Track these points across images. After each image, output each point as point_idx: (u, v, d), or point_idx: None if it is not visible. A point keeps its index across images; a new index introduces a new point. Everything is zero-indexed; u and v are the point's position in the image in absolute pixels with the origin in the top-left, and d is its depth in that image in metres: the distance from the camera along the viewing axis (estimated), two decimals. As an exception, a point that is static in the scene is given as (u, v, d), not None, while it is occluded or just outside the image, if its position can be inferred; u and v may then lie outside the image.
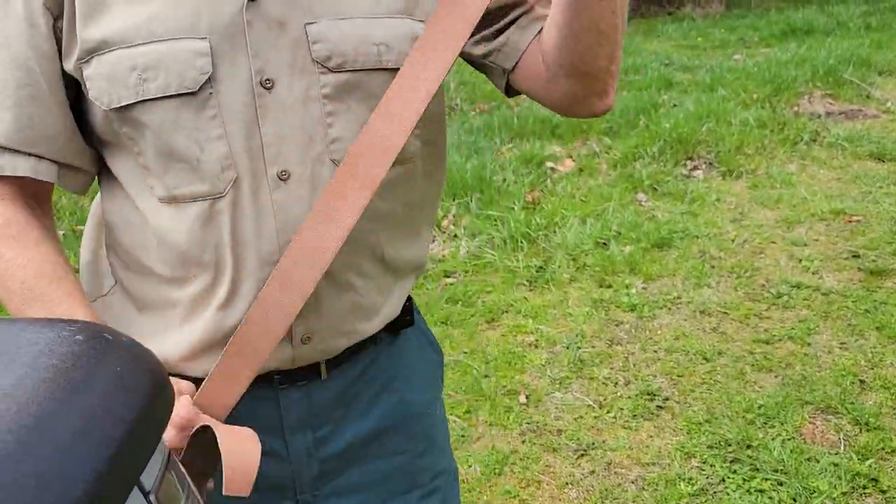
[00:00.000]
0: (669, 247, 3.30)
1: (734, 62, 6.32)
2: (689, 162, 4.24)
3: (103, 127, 0.83)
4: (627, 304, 2.89)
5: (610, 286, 3.04)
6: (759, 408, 2.30)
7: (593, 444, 2.20)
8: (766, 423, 2.24)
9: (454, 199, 3.75)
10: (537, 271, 3.17)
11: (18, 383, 0.44)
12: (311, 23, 0.80)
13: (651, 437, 2.22)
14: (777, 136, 4.47)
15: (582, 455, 2.16)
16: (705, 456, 2.13)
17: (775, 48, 6.72)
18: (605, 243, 3.35)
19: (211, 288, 0.84)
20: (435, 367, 1.06)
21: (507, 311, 2.91)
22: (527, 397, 2.41)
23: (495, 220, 3.55)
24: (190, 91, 0.78)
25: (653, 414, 2.31)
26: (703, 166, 4.19)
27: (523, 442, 2.22)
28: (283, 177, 0.81)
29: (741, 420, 2.26)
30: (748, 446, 2.15)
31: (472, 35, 0.88)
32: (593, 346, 2.67)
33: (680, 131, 4.41)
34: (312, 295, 0.82)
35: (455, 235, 3.49)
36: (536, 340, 2.72)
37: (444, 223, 3.58)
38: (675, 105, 5.13)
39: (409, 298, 0.99)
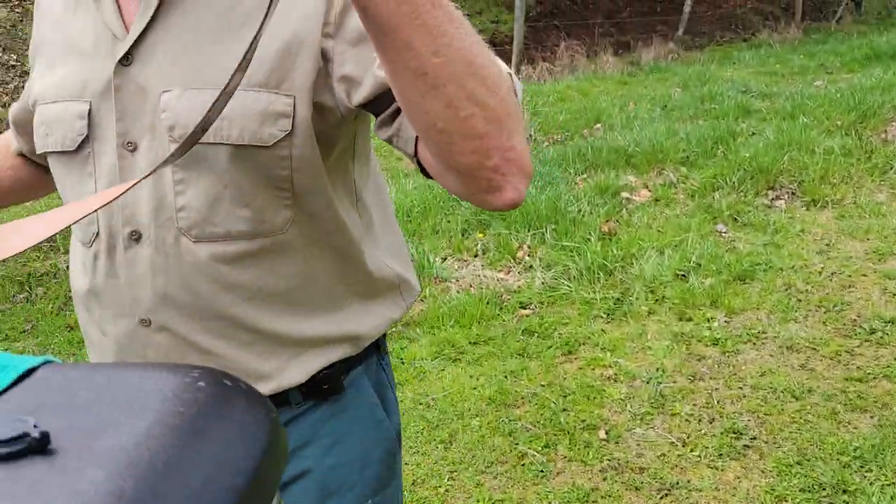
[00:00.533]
0: (752, 279, 3.20)
1: (815, 89, 6.14)
2: (770, 192, 4.12)
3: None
4: (709, 339, 2.81)
5: (690, 319, 2.96)
6: (855, 450, 2.19)
7: (677, 483, 2.13)
8: (862, 467, 2.12)
9: (529, 230, 3.74)
10: (615, 303, 3.12)
11: (149, 431, 0.45)
12: (166, 91, 0.81)
13: (738, 477, 2.14)
14: (864, 164, 4.31)
15: (666, 495, 2.10)
16: (798, 500, 2.03)
17: (858, 74, 6.50)
18: (684, 275, 3.27)
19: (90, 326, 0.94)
20: (373, 448, 0.96)
21: (584, 344, 2.87)
22: (607, 432, 2.36)
23: (571, 251, 3.52)
24: (70, 150, 0.86)
25: (739, 453, 2.23)
26: (786, 196, 4.06)
27: (604, 479, 2.17)
28: (135, 237, 0.85)
29: (835, 463, 2.15)
30: (844, 491, 2.04)
31: (376, 116, 0.81)
32: (675, 382, 2.60)
33: (760, 160, 4.29)
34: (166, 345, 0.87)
35: (530, 266, 3.47)
36: (615, 374, 2.66)
37: (520, 254, 3.57)
38: (753, 133, 5.00)
39: (345, 368, 0.93)
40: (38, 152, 0.90)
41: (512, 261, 3.54)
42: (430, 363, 2.80)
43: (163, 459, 0.43)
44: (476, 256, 3.63)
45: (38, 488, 0.40)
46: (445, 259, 3.61)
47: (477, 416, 2.46)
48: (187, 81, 0.80)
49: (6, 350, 2.97)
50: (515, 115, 0.69)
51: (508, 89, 0.69)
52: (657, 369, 2.67)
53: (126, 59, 0.81)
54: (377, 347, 1.00)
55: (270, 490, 0.50)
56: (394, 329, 3.04)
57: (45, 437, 0.43)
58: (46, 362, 0.54)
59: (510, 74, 0.74)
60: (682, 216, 3.89)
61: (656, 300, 3.12)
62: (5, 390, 0.50)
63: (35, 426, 0.43)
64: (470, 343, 2.93)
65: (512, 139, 0.69)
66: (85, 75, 0.84)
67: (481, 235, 3.78)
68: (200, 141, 0.78)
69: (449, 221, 3.93)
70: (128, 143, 0.83)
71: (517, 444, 2.32)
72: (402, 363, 2.80)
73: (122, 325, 0.88)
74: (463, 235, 3.81)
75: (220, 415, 0.48)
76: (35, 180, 1.10)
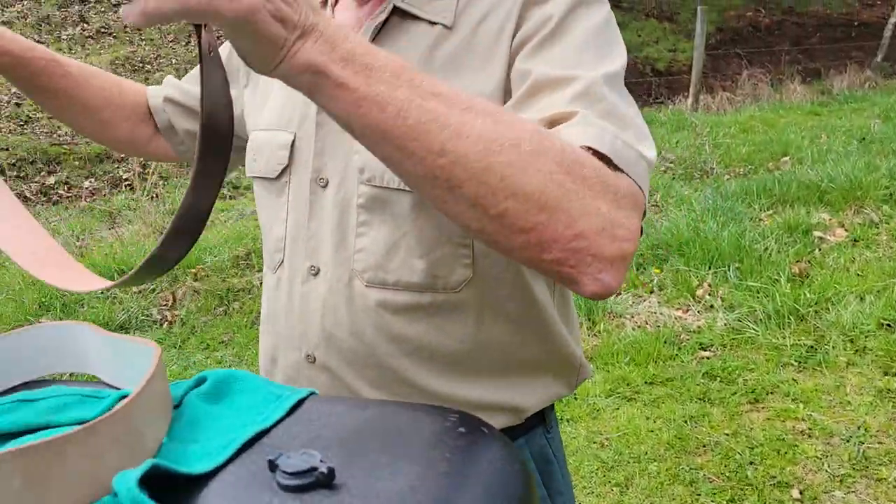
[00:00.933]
0: (972, 333, 2.86)
1: None
2: None
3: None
4: (921, 398, 2.53)
5: (897, 374, 2.69)
6: None
7: (884, 557, 1.92)
8: None
9: (709, 268, 3.57)
10: (807, 351, 2.89)
11: (423, 476, 0.47)
12: None
13: (959, 559, 1.90)
14: None
15: (870, 569, 1.90)
16: None
17: None
18: (889, 325, 2.98)
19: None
20: None
21: (772, 393, 2.68)
22: (801, 492, 2.18)
23: (757, 292, 3.32)
24: (271, 177, 0.89)
25: (960, 531, 1.98)
26: None
27: (799, 544, 2.00)
28: (313, 272, 0.86)
29: None
30: None
31: None
32: (880, 443, 2.36)
33: (981, 199, 3.85)
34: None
35: (711, 306, 3.31)
36: (809, 429, 2.46)
37: (699, 293, 3.41)
38: (971, 168, 4.50)
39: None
40: (247, 175, 0.95)
41: (691, 299, 3.38)
42: (604, 400, 2.73)
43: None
44: (652, 293, 3.51)
45: (330, 524, 0.42)
46: (619, 294, 3.51)
47: (655, 460, 2.36)
48: None
49: (206, 358, 3.24)
50: (580, 193, 0.57)
51: (566, 161, 0.57)
52: (859, 427, 2.44)
53: None
54: (542, 419, 0.92)
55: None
56: (566, 363, 2.98)
57: (331, 473, 0.45)
58: (311, 394, 0.57)
59: (601, 130, 0.63)
60: (886, 259, 3.56)
61: (856, 351, 2.86)
62: (280, 421, 0.54)
63: (321, 461, 0.46)
64: (646, 383, 2.82)
65: (574, 226, 0.57)
66: (294, 108, 0.87)
67: (658, 271, 3.66)
68: (386, 186, 0.79)
69: (624, 255, 3.82)
70: (320, 178, 0.84)
71: (699, 494, 2.20)
72: (576, 398, 2.75)
73: (291, 357, 0.89)
74: (638, 270, 3.70)
75: (480, 462, 0.49)
76: (135, 126, 1.04)
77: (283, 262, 0.89)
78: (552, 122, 0.67)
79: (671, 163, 5.36)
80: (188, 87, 1.06)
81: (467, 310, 0.82)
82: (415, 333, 0.82)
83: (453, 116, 0.55)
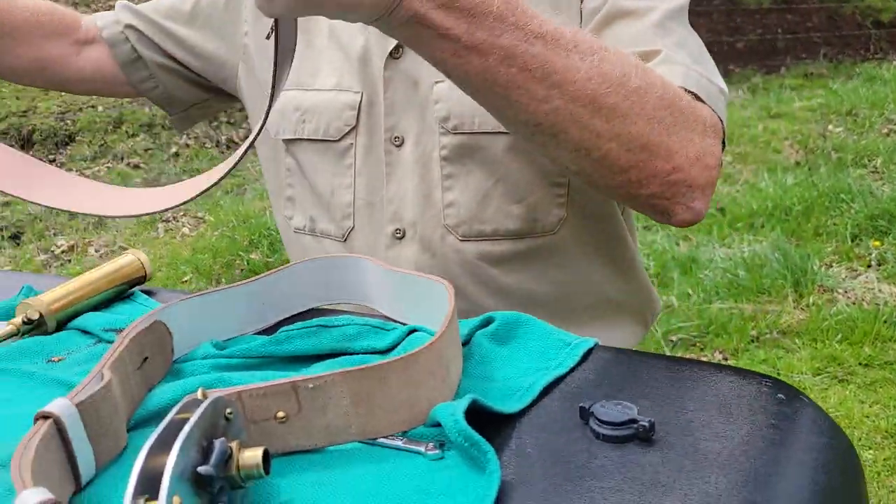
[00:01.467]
0: None
1: None
2: None
3: (267, 152, 0.91)
4: None
5: None
6: None
7: None
8: None
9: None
10: None
11: (748, 441, 0.43)
12: (439, 81, 0.77)
13: None
14: None
15: None
16: None
17: None
18: None
19: None
20: None
21: None
22: None
23: None
24: (332, 139, 0.82)
25: None
26: None
27: None
28: (398, 235, 0.81)
29: None
30: None
31: None
32: None
33: None
34: None
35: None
36: None
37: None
38: None
39: None
40: (276, 137, 0.86)
41: (917, 276, 3.05)
42: (811, 379, 2.53)
43: (767, 473, 0.41)
44: (869, 267, 3.20)
45: (659, 479, 0.40)
46: (831, 266, 3.23)
47: (871, 448, 2.17)
48: None
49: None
50: (677, 126, 0.59)
51: (667, 96, 0.58)
52: None
53: (396, 52, 0.79)
54: None
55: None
56: (767, 335, 2.81)
57: (652, 427, 0.43)
58: (596, 344, 0.55)
59: (686, 68, 0.65)
60: None
61: None
62: (573, 368, 0.52)
63: (640, 414, 0.44)
64: (860, 364, 2.59)
65: (672, 159, 0.59)
66: (352, 66, 0.82)
67: (877, 244, 3.32)
68: (477, 131, 0.76)
69: (836, 224, 3.52)
70: (395, 137, 0.80)
71: (923, 490, 2.00)
72: (778, 374, 2.58)
73: None
74: (853, 241, 3.38)
75: (806, 432, 0.45)
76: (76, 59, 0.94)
77: (353, 228, 0.84)
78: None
79: (895, 124, 4.82)
80: (159, 19, 0.93)
81: (563, 251, 0.81)
82: (515, 282, 0.81)
83: (559, 60, 0.53)
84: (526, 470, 0.42)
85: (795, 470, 0.41)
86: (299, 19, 0.79)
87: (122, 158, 3.84)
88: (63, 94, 4.30)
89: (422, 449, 0.44)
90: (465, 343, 0.55)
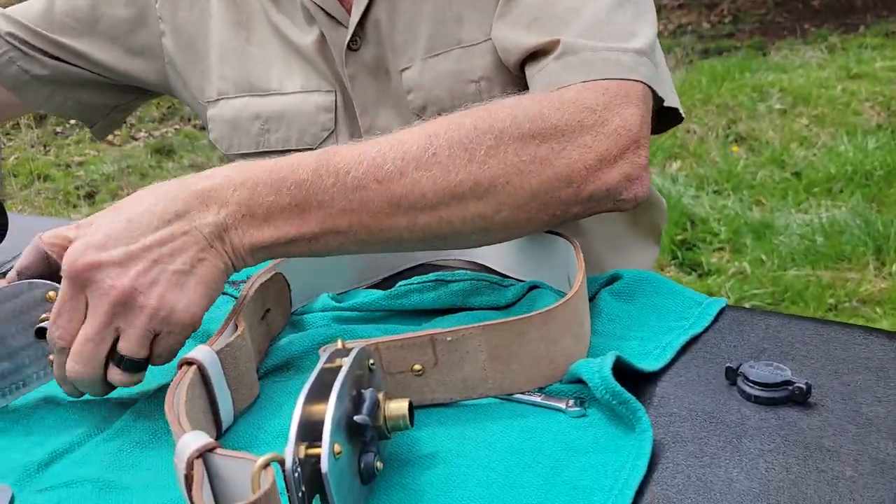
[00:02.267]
0: None
1: None
2: None
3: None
4: None
5: None
6: None
7: None
8: None
9: None
10: None
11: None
12: (406, 68, 0.68)
13: None
14: None
15: None
16: None
17: None
18: None
19: None
20: None
21: None
22: None
23: None
24: (309, 147, 0.71)
25: None
26: None
27: None
28: None
29: None
30: None
31: None
32: None
33: None
34: None
35: None
36: None
37: None
38: None
39: None
40: (229, 152, 0.76)
41: None
42: None
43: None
44: (954, 235, 3.05)
45: (823, 443, 0.38)
46: (915, 233, 3.10)
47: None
48: (424, 49, 0.68)
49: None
50: (556, 150, 0.51)
51: (527, 130, 0.50)
52: None
53: (354, 42, 0.69)
54: None
55: None
56: (846, 304, 2.72)
57: (808, 390, 0.41)
58: (726, 305, 0.53)
59: (583, 57, 0.56)
60: None
61: None
62: (708, 328, 0.50)
63: (793, 376, 0.42)
64: (947, 336, 2.48)
65: (573, 182, 0.51)
66: (316, 63, 0.72)
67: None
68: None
69: (920, 190, 3.37)
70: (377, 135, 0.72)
71: None
72: (858, 344, 2.50)
73: None
74: (939, 207, 3.23)
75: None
76: None
77: None
78: (535, 54, 0.60)
79: None
80: (37, 24, 0.79)
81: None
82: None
83: (396, 186, 0.49)
84: (676, 430, 0.40)
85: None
86: (232, 14, 0.74)
87: (189, 120, 3.89)
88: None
89: (562, 406, 0.43)
90: (591, 299, 0.54)
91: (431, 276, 0.58)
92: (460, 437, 0.41)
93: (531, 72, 0.61)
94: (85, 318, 0.44)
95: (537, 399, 0.44)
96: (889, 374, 0.43)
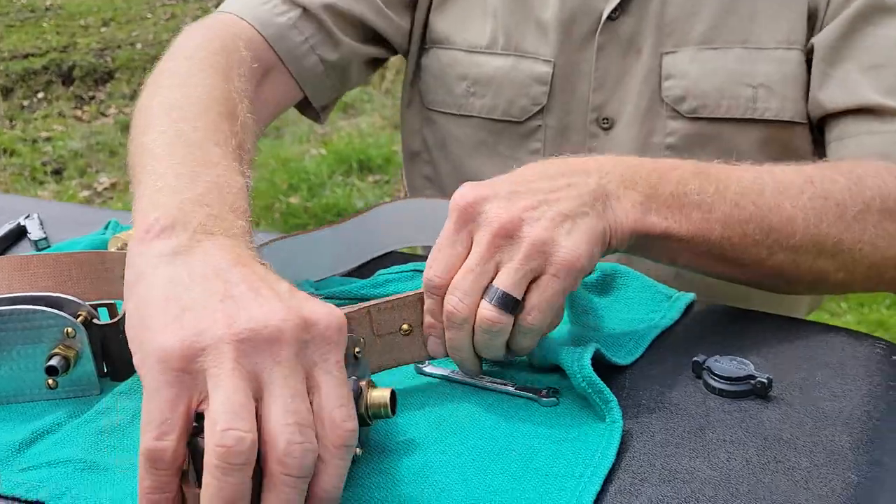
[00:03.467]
0: None
1: None
2: None
3: (416, 114, 0.74)
4: None
5: None
6: None
7: None
8: None
9: None
10: None
11: (869, 403, 0.43)
12: (670, 52, 0.64)
13: None
14: None
15: None
16: None
17: None
18: None
19: None
20: None
21: None
22: None
23: None
24: (515, 120, 0.69)
25: None
26: None
27: None
28: None
29: None
30: None
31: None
32: None
33: None
34: None
35: None
36: None
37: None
38: None
39: None
40: (431, 107, 0.72)
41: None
42: None
43: (888, 433, 0.41)
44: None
45: (781, 435, 0.40)
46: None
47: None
48: (699, 38, 0.64)
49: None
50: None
51: (886, 206, 0.52)
52: None
53: (615, 11, 0.65)
54: None
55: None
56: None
57: (769, 384, 0.43)
58: (695, 299, 0.55)
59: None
60: None
61: None
62: (677, 322, 0.52)
63: (756, 370, 0.44)
64: (904, 331, 2.56)
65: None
66: (546, 25, 0.67)
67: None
68: (722, 116, 0.64)
69: None
70: (603, 119, 0.67)
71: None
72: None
73: None
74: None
75: (923, 397, 0.44)
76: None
77: None
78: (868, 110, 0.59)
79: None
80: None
81: None
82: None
83: (773, 216, 0.49)
84: (644, 420, 0.42)
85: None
86: None
87: (162, 98, 3.84)
88: (102, 30, 4.29)
89: (536, 395, 0.44)
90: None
91: (409, 266, 0.59)
92: (437, 425, 0.43)
93: (855, 124, 0.60)
94: (467, 254, 0.43)
95: (511, 389, 0.45)
96: (847, 371, 0.45)
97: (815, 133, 0.65)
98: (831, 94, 0.61)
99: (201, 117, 0.49)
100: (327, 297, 0.58)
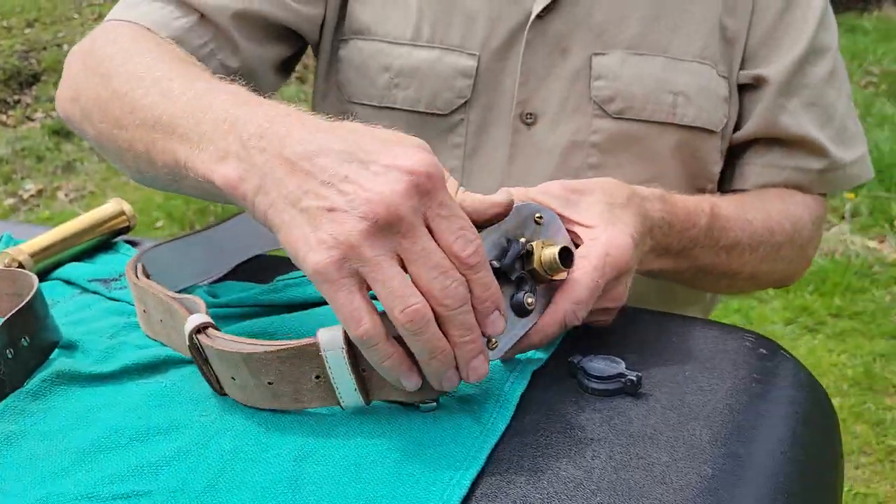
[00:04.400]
0: None
1: None
2: None
3: (332, 108, 0.73)
4: None
5: None
6: None
7: None
8: None
9: (912, 195, 3.24)
10: None
11: (731, 395, 0.45)
12: (600, 53, 0.67)
13: None
14: None
15: None
16: None
17: None
18: None
19: None
20: None
21: (980, 338, 2.44)
22: None
23: (969, 226, 2.99)
24: (439, 112, 0.69)
25: None
26: None
27: None
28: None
29: None
30: None
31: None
32: None
33: None
34: None
35: (911, 238, 3.02)
36: None
37: (898, 222, 3.12)
38: None
39: None
40: (352, 100, 0.71)
41: (888, 228, 3.11)
42: (783, 329, 2.59)
43: (750, 426, 0.42)
44: (843, 219, 3.25)
45: (645, 431, 0.41)
46: (804, 217, 3.28)
47: (837, 396, 2.23)
48: (628, 43, 0.67)
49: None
50: (796, 259, 0.72)
51: (796, 243, 0.69)
52: None
53: (544, 11, 0.66)
54: None
55: (827, 473, 0.47)
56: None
57: (639, 381, 0.44)
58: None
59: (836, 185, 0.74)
60: None
61: None
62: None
63: (628, 368, 0.45)
64: (831, 315, 2.65)
65: (791, 279, 0.76)
66: (473, 18, 0.67)
67: (851, 196, 3.37)
68: (646, 119, 0.67)
69: (811, 176, 3.55)
70: (527, 114, 0.68)
71: (885, 436, 2.08)
72: (751, 324, 2.64)
73: None
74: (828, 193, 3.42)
75: (787, 386, 0.47)
76: None
77: None
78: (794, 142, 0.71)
79: (874, 77, 4.84)
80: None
81: None
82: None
83: (734, 262, 0.64)
84: (517, 421, 0.43)
85: (776, 423, 0.43)
86: None
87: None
88: (26, 31, 4.15)
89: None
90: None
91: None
92: (312, 435, 0.43)
93: (777, 155, 0.71)
94: None
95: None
96: (715, 365, 0.47)
97: (722, 144, 0.71)
98: (785, 122, 0.70)
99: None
100: (227, 305, 0.57)
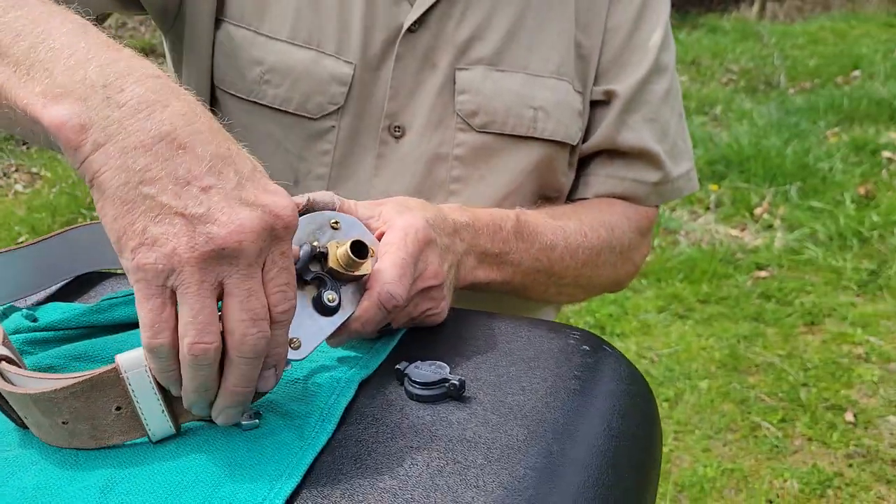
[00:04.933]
0: None
1: None
2: None
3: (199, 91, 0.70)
4: None
5: (961, 303, 2.62)
6: None
7: (935, 483, 1.93)
8: None
9: (770, 185, 3.47)
10: (869, 275, 2.83)
11: (552, 393, 0.46)
12: (463, 69, 0.68)
13: None
14: None
15: (920, 494, 1.91)
16: None
17: None
18: (957, 252, 2.89)
19: None
20: None
21: (829, 316, 2.64)
22: (854, 416, 2.18)
23: (819, 213, 3.23)
24: (310, 116, 0.67)
25: None
26: None
27: (850, 465, 2.01)
28: None
29: None
30: None
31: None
32: (939, 371, 2.33)
33: None
34: None
35: (769, 225, 3.23)
36: (866, 353, 2.43)
37: (758, 211, 3.33)
38: None
39: None
40: (220, 86, 0.69)
41: (749, 217, 3.31)
42: (656, 317, 2.72)
43: (566, 422, 0.44)
44: (708, 209, 3.44)
45: (465, 435, 0.42)
46: (675, 210, 3.45)
47: (705, 377, 2.36)
48: (490, 60, 0.68)
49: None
50: (620, 263, 0.74)
51: (616, 249, 0.72)
52: (917, 354, 2.40)
53: (415, 24, 0.66)
54: None
55: (649, 456, 0.49)
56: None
57: (462, 385, 0.45)
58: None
59: (661, 188, 0.76)
60: (958, 184, 3.42)
61: (920, 276, 2.79)
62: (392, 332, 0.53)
63: (451, 372, 0.45)
64: (699, 301, 2.80)
65: (618, 285, 0.79)
66: (349, 25, 0.66)
67: (715, 188, 3.57)
68: (508, 133, 0.68)
69: (680, 170, 3.73)
70: (395, 126, 0.68)
71: (749, 413, 2.21)
72: (626, 313, 2.74)
73: None
74: (695, 186, 3.60)
75: (608, 380, 0.48)
76: None
77: None
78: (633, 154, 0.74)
79: (734, 74, 5.15)
80: None
81: None
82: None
83: (556, 271, 0.67)
84: (340, 434, 0.42)
85: (593, 417, 0.44)
86: None
87: None
88: None
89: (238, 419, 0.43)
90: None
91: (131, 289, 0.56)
92: (121, 465, 0.41)
93: (618, 167, 0.74)
94: None
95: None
96: (538, 365, 0.48)
97: (572, 157, 0.74)
98: (627, 135, 0.73)
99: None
100: (46, 329, 0.54)
